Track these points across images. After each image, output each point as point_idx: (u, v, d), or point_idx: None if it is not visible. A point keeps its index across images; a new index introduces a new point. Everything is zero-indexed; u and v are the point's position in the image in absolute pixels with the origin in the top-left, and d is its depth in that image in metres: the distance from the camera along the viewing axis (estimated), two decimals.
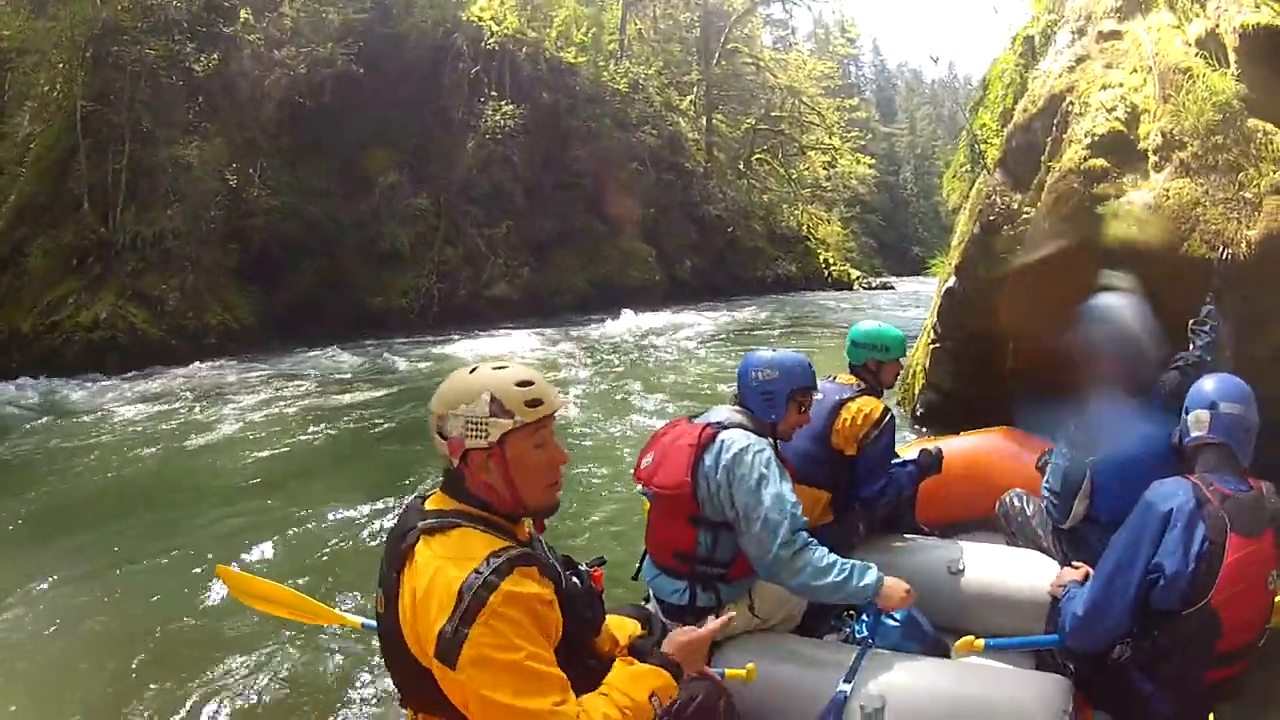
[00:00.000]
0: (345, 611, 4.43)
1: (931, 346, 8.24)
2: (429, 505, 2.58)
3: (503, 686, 2.22)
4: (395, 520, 2.68)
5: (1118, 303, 4.59)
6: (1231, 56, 5.73)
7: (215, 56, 24.91)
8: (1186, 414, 3.59)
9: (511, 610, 2.27)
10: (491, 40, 31.86)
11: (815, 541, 3.74)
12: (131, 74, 22.59)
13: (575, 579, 2.72)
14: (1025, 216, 6.80)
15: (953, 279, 8.04)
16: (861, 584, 3.67)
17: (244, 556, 7.53)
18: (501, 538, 2.46)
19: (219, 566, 3.92)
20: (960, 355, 7.97)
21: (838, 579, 3.65)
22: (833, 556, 3.71)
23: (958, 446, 5.97)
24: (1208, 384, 3.60)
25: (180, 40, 24.33)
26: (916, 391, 8.92)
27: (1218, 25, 5.91)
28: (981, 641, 3.54)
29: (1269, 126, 5.39)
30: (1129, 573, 3.25)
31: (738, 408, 4.20)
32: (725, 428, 3.99)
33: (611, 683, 2.57)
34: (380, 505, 8.64)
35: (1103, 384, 4.40)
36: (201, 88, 24.85)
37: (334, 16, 27.82)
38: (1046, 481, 4.74)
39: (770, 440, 4.05)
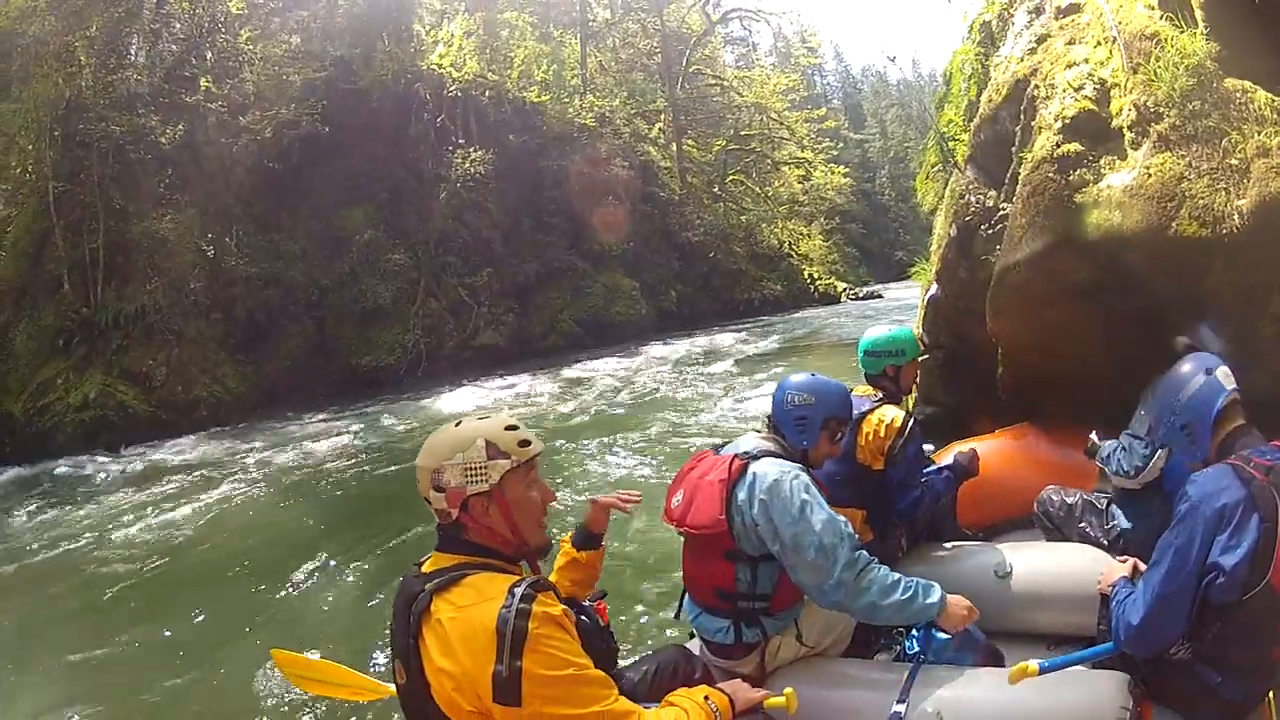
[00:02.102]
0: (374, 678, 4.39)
1: (921, 358, 7.92)
2: (427, 569, 2.62)
3: (567, 700, 2.34)
4: (397, 589, 2.66)
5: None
6: (1199, 15, 5.39)
7: (180, 127, 25.14)
8: (1207, 374, 3.44)
9: (551, 630, 2.36)
10: (453, 87, 31.81)
11: (875, 560, 3.64)
12: (99, 151, 22.81)
13: (583, 616, 2.77)
14: (1002, 213, 6.48)
15: (934, 286, 7.75)
16: (927, 602, 3.58)
17: (250, 631, 7.69)
18: (510, 576, 2.53)
19: (273, 650, 3.92)
20: (952, 365, 7.73)
21: (904, 597, 3.55)
22: (896, 574, 3.61)
23: (993, 445, 5.98)
24: (1163, 395, 3.58)
25: (144, 114, 24.62)
26: (911, 406, 8.56)
27: None
28: (1036, 666, 3.28)
29: (1248, 84, 5.06)
30: (1183, 577, 3.07)
31: (766, 434, 4.13)
32: (755, 458, 3.86)
33: (669, 697, 2.83)
34: (383, 565, 8.91)
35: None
36: (170, 160, 25.06)
37: (295, 77, 28.22)
38: (1130, 429, 4.61)
39: (802, 465, 3.91)
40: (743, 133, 50.58)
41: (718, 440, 4.40)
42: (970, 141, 7.59)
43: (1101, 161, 5.37)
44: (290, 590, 8.68)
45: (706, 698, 2.80)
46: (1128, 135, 5.34)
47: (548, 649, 2.32)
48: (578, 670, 2.38)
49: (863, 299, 45.76)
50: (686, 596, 4.17)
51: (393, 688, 2.75)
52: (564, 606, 2.49)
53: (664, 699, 2.82)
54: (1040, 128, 5.89)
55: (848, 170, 61.20)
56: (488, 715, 2.34)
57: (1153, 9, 5.68)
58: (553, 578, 3.45)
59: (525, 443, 2.65)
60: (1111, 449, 4.72)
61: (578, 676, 2.37)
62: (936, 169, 9.96)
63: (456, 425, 2.69)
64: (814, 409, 4.06)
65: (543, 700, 2.30)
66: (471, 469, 2.57)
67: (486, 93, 33.12)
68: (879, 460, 4.78)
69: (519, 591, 2.38)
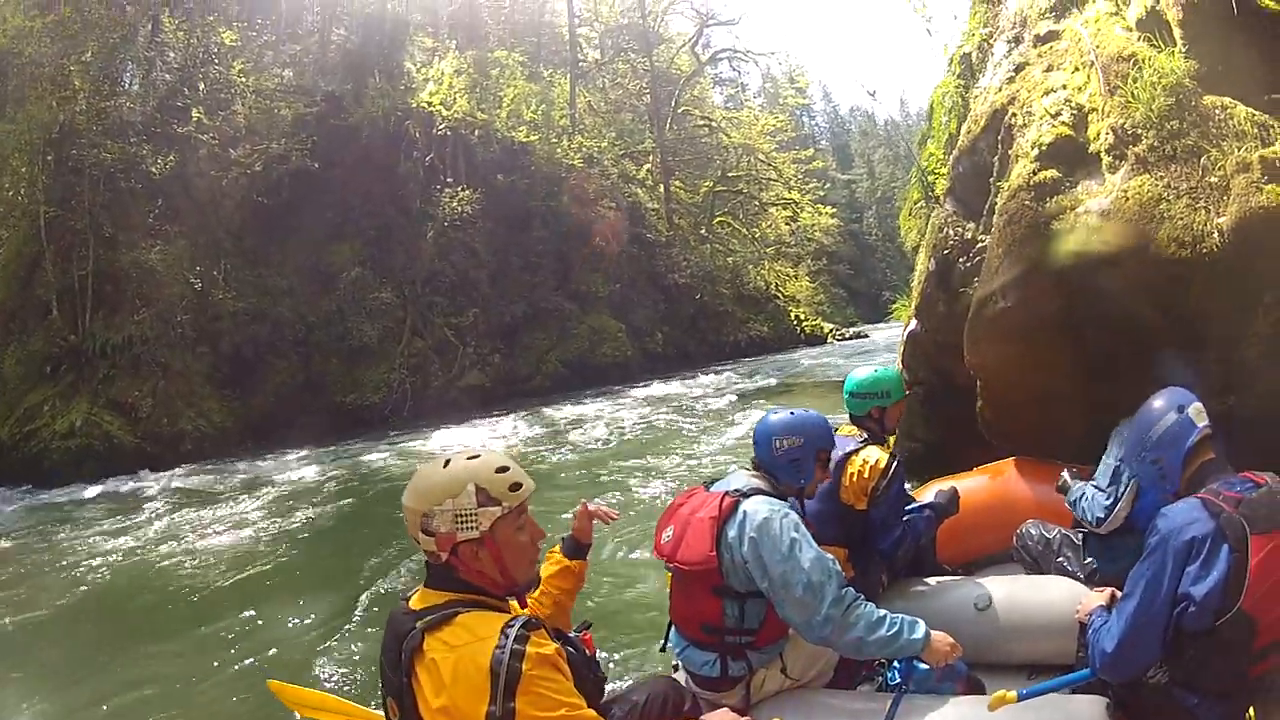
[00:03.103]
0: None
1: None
2: (415, 605, 2.59)
3: None
4: (386, 626, 2.64)
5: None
6: (1177, 33, 5.35)
7: (171, 158, 25.20)
8: (1179, 412, 3.44)
9: (544, 671, 2.34)
10: (443, 126, 31.90)
11: (862, 597, 3.67)
12: (91, 178, 23.07)
13: (570, 647, 2.74)
14: (981, 245, 6.42)
15: (913, 321, 7.68)
16: (912, 638, 3.60)
17: (231, 664, 7.63)
18: (500, 614, 2.51)
19: (270, 682, 3.77)
20: (932, 400, 7.68)
21: (890, 633, 3.58)
22: (883, 611, 3.65)
23: (973, 483, 5.98)
24: (1136, 430, 3.57)
25: (136, 142, 24.77)
26: (892, 443, 8.47)
27: (1158, 2, 5.53)
28: (1014, 694, 3.32)
29: (1227, 100, 5.00)
30: (1155, 608, 3.15)
31: (756, 473, 4.15)
32: (745, 495, 3.88)
33: None
34: (362, 602, 8.83)
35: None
36: (160, 190, 25.25)
37: (286, 111, 28.49)
38: (1093, 479, 4.72)
39: (791, 502, 4.01)
40: (730, 174, 50.71)
41: (709, 478, 4.37)
42: (949, 174, 7.56)
43: (1079, 187, 5.30)
44: (272, 624, 8.62)
45: None
46: (1105, 159, 5.28)
47: (541, 689, 2.30)
48: (569, 711, 2.35)
49: (849, 339, 46.08)
50: (673, 629, 4.20)
51: (380, 714, 2.80)
52: (556, 645, 2.47)
53: None
54: (1017, 156, 5.84)
55: (835, 211, 61.68)
56: None
57: (1130, 30, 5.66)
58: (541, 586, 3.58)
59: (516, 486, 2.60)
60: (1078, 494, 4.78)
61: (570, 718, 2.34)
62: (919, 205, 9.96)
63: (445, 465, 2.62)
64: (804, 448, 4.13)
65: None
66: (462, 516, 2.52)
67: (476, 132, 33.25)
68: (862, 500, 4.84)
69: (512, 632, 2.37)
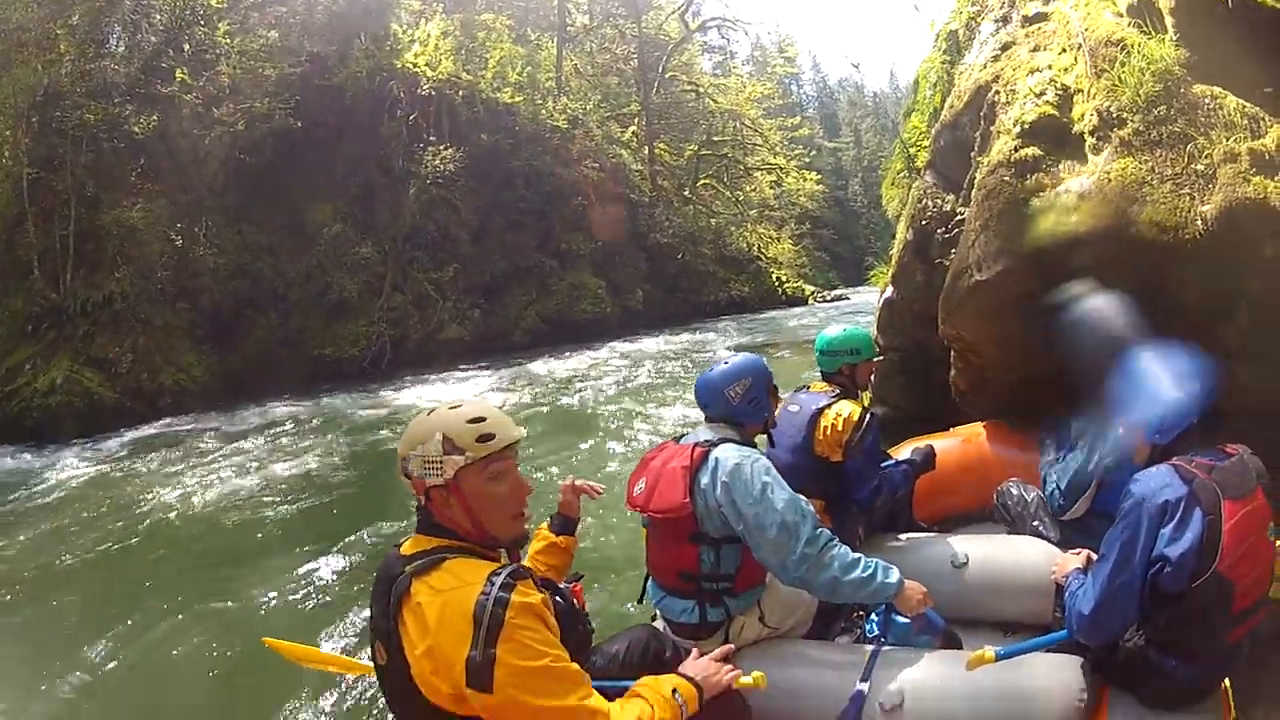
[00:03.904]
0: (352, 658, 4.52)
1: (876, 360, 7.91)
2: (406, 550, 2.64)
3: (539, 692, 2.35)
4: (377, 571, 2.68)
5: (1097, 304, 4.59)
6: (1168, 20, 5.34)
7: (154, 118, 24.98)
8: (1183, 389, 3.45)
9: (527, 620, 2.38)
10: (427, 86, 31.67)
11: (836, 538, 3.77)
12: (74, 139, 22.78)
13: (558, 597, 2.80)
14: (959, 217, 6.47)
15: (890, 289, 7.74)
16: (886, 581, 3.71)
17: (218, 616, 7.72)
18: (489, 561, 2.57)
19: (266, 639, 3.93)
20: (905, 368, 7.73)
21: (864, 574, 3.68)
22: (858, 554, 3.75)
23: (950, 443, 6.08)
24: (1161, 367, 3.53)
25: (119, 103, 24.57)
26: (866, 400, 8.58)
27: None
28: (992, 654, 3.40)
29: (1217, 90, 5.01)
30: (1130, 569, 3.21)
31: (718, 424, 4.19)
32: (716, 444, 3.98)
33: (640, 686, 2.80)
34: (346, 553, 8.90)
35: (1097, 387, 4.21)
36: (143, 150, 25.04)
37: (270, 72, 27.96)
38: (1054, 475, 4.84)
39: (760, 451, 4.05)
40: (715, 138, 50.57)
41: (679, 433, 4.44)
42: (931, 147, 7.59)
43: (1060, 166, 5.31)
44: (258, 576, 8.63)
45: (675, 690, 2.80)
46: (1089, 140, 5.29)
47: (523, 638, 2.34)
48: (552, 662, 2.40)
49: (830, 301, 46.15)
50: (650, 580, 4.26)
51: (372, 666, 2.77)
52: (543, 594, 2.51)
53: (631, 689, 2.81)
54: (999, 132, 5.85)
55: (820, 177, 61.29)
56: (463, 698, 2.35)
57: (1120, 16, 5.65)
58: (528, 562, 3.54)
59: (487, 437, 2.62)
60: (1045, 472, 4.96)
61: (551, 669, 2.39)
62: (902, 175, 10.01)
63: (429, 414, 2.70)
64: (755, 386, 4.21)
65: (514, 689, 2.31)
66: (429, 462, 2.59)
67: (460, 92, 33.03)
68: (837, 452, 4.93)
69: (498, 579, 2.40)
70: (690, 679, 2.89)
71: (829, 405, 5.02)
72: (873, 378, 6.08)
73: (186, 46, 27.76)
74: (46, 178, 22.54)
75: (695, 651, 3.18)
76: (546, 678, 2.37)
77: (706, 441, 4.01)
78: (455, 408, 2.69)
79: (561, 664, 2.42)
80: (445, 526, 2.63)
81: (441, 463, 2.58)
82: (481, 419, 2.65)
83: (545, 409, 17.50)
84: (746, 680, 3.17)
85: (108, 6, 25.54)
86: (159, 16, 27.86)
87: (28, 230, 22.03)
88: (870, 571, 3.67)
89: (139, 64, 26.36)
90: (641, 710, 2.65)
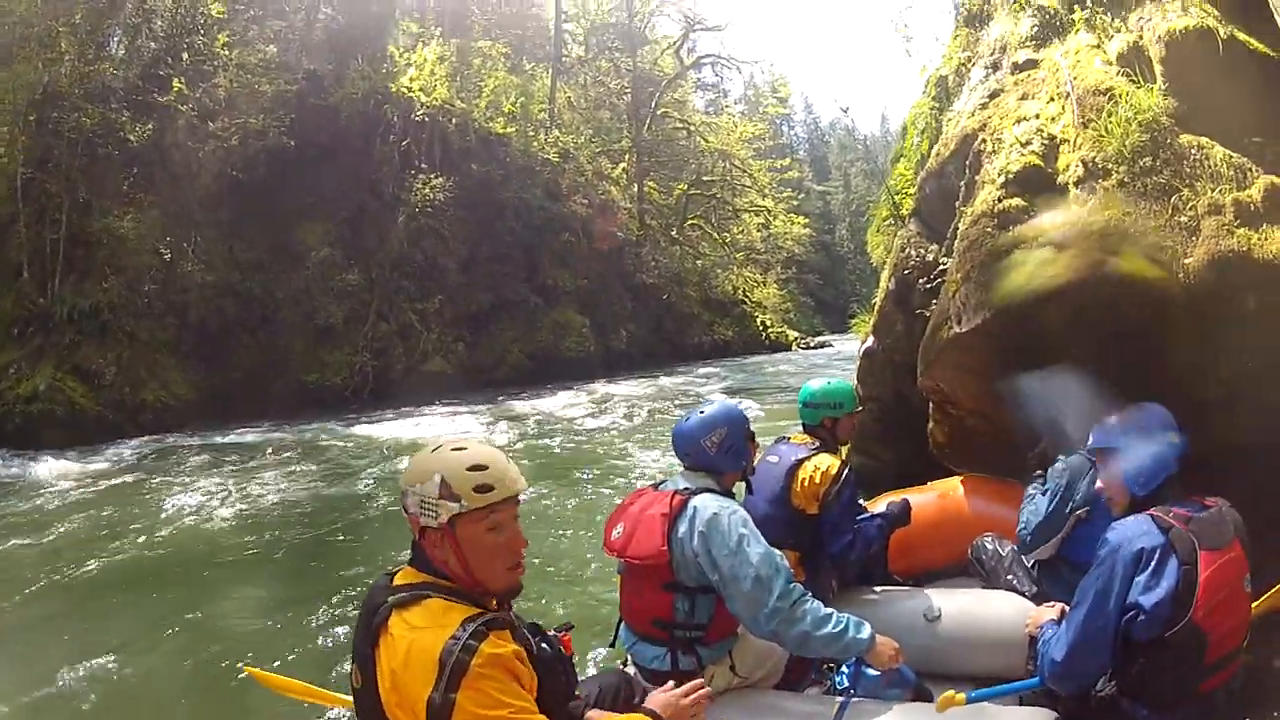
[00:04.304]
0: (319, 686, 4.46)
1: (857, 413, 7.83)
2: (397, 580, 2.61)
3: None
4: (367, 594, 2.65)
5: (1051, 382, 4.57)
6: (1157, 70, 5.32)
7: (150, 126, 25.16)
8: (1169, 438, 3.49)
9: (493, 670, 2.32)
10: (421, 112, 31.79)
11: (809, 594, 3.74)
12: (70, 141, 22.94)
13: (545, 645, 2.73)
14: (942, 267, 6.40)
15: (871, 339, 7.66)
16: (857, 636, 3.68)
17: (193, 640, 7.68)
18: (471, 606, 2.50)
19: (248, 668, 4.03)
20: (885, 418, 7.63)
21: (836, 629, 3.66)
22: (829, 609, 3.72)
23: (925, 497, 6.00)
24: (1140, 421, 3.56)
25: (117, 109, 24.71)
26: (845, 454, 8.46)
27: (1140, 38, 5.52)
28: (963, 695, 3.43)
29: (1203, 140, 4.96)
30: (1103, 616, 3.21)
31: (697, 472, 4.18)
32: (695, 493, 3.96)
33: None
34: (312, 583, 8.86)
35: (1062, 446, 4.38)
36: (137, 158, 25.19)
37: (266, 87, 28.31)
38: (1025, 514, 4.74)
39: (739, 501, 4.09)
40: (705, 178, 50.84)
41: (659, 479, 4.44)
42: (916, 195, 7.54)
43: (1043, 217, 5.20)
44: (231, 603, 8.59)
45: None
46: (1073, 191, 5.19)
47: (486, 687, 2.30)
48: (512, 714, 2.33)
49: (814, 348, 46.15)
50: (623, 624, 4.24)
51: (349, 698, 2.73)
52: (517, 647, 2.47)
53: None
54: (984, 182, 5.78)
55: (808, 221, 61.75)
56: None
57: (1110, 64, 5.61)
58: None
59: (484, 488, 2.55)
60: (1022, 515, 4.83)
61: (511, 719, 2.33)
62: (887, 222, 9.97)
63: (433, 451, 2.65)
64: (732, 434, 4.17)
65: None
66: (425, 503, 2.54)
67: (453, 120, 33.19)
68: (814, 505, 4.92)
69: (470, 627, 2.37)
70: (655, 714, 2.89)
71: (808, 458, 5.02)
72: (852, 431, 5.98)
73: (185, 55, 27.93)
74: (41, 179, 22.63)
75: (670, 684, 3.15)
76: None
77: (685, 490, 4.00)
78: (458, 450, 2.63)
79: (524, 716, 2.36)
80: (436, 566, 2.59)
81: (437, 506, 2.52)
82: (483, 467, 2.58)
83: (527, 449, 17.43)
84: None
85: (110, 8, 25.76)
86: (160, 22, 28.05)
87: (19, 231, 22.11)
88: (841, 627, 3.65)
89: (138, 69, 26.53)
90: None
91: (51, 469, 16.40)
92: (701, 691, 3.09)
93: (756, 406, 19.93)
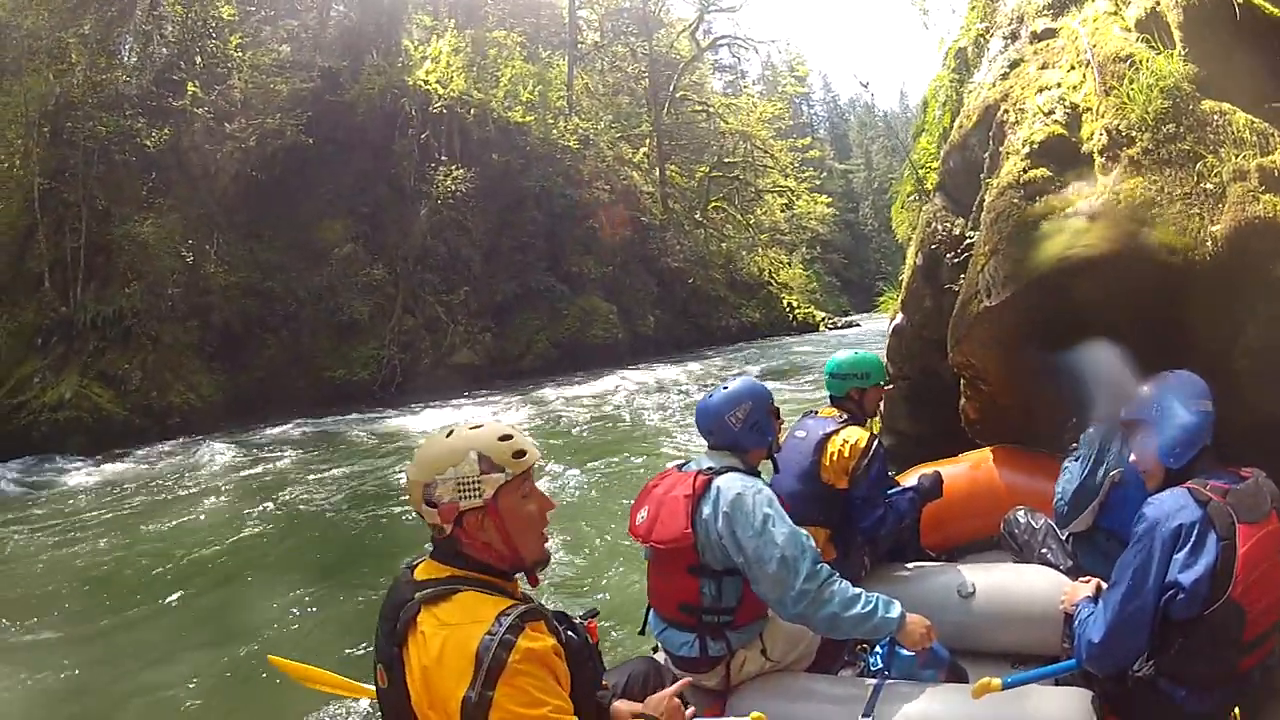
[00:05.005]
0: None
1: (886, 387, 7.77)
2: (419, 575, 2.53)
3: None
4: (387, 591, 2.58)
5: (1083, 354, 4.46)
6: (1177, 35, 5.22)
7: (166, 131, 25.22)
8: (1202, 407, 3.38)
9: (531, 666, 2.24)
10: (438, 104, 31.82)
11: (837, 574, 3.68)
12: (85, 150, 22.96)
13: (572, 633, 2.61)
14: (969, 241, 6.32)
15: (899, 315, 7.60)
16: (887, 616, 3.62)
17: (222, 636, 7.77)
18: (502, 597, 2.43)
19: (271, 657, 3.88)
20: (915, 395, 7.59)
21: (865, 610, 3.59)
22: (858, 589, 3.66)
23: (957, 469, 5.92)
24: (1173, 389, 3.43)
25: (132, 115, 24.69)
26: (875, 427, 8.42)
27: (1158, 3, 5.40)
28: (999, 681, 3.27)
29: (1226, 106, 4.89)
30: (1142, 596, 3.11)
31: (721, 451, 4.08)
32: (719, 473, 3.89)
33: None
34: (349, 578, 9.00)
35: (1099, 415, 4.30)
36: (155, 163, 25.23)
37: (282, 87, 28.41)
38: (1059, 484, 4.70)
39: (765, 480, 4.01)
40: (726, 159, 50.64)
41: (684, 459, 4.39)
42: (940, 169, 7.47)
43: (1069, 188, 5.18)
44: (262, 598, 8.66)
45: None
46: (1098, 160, 5.15)
47: (524, 684, 2.21)
48: (551, 712, 2.24)
49: (841, 328, 45.96)
50: (651, 611, 4.17)
51: (374, 689, 2.66)
52: (554, 641, 2.39)
53: None
54: (1008, 153, 5.72)
55: (831, 200, 61.45)
56: None
57: (1129, 31, 5.53)
58: None
59: (520, 453, 2.52)
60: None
61: (549, 718, 2.24)
62: (911, 198, 9.88)
63: (448, 435, 2.56)
64: (756, 409, 4.09)
65: None
66: (464, 484, 2.45)
67: (471, 111, 33.20)
68: (843, 480, 4.83)
69: (507, 620, 2.29)
70: (652, 717, 2.84)
71: (836, 431, 4.93)
72: (881, 405, 5.91)
73: (198, 59, 28.06)
74: (58, 189, 22.68)
75: (680, 684, 3.12)
76: None
77: (709, 469, 3.92)
78: (478, 427, 2.58)
79: (561, 715, 2.27)
80: (468, 555, 2.51)
81: (480, 483, 2.45)
82: (510, 436, 2.55)
83: (557, 436, 17.47)
84: None
85: (119, 16, 25.82)
86: (171, 27, 28.13)
87: (39, 241, 22.19)
88: (871, 607, 3.58)
89: (151, 75, 26.62)
90: None
91: (79, 474, 16.51)
92: (682, 681, 3.15)
93: (787, 389, 19.94)
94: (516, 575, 2.60)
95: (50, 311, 21.61)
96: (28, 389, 20.38)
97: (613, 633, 6.62)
